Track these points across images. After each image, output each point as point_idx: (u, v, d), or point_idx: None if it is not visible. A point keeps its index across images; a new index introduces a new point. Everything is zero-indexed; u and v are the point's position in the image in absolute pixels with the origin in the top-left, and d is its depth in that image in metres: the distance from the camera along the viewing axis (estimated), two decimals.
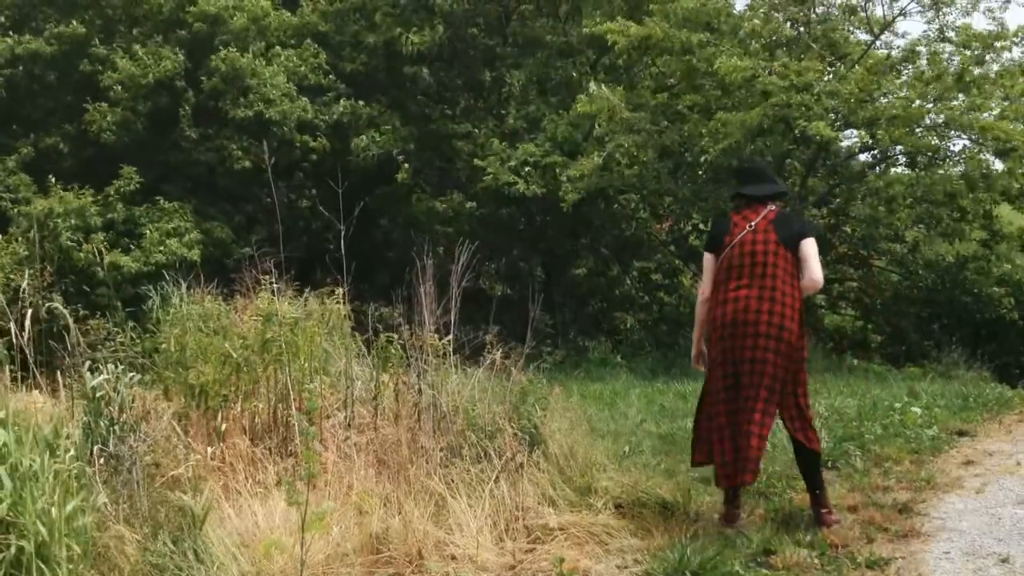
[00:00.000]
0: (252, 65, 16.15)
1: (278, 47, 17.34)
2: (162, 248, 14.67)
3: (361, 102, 17.10)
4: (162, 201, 15.55)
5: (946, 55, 14.73)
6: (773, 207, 5.70)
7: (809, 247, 5.55)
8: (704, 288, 5.81)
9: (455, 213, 17.32)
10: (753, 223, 5.59)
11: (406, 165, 16.94)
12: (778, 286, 5.47)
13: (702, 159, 14.17)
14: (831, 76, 14.36)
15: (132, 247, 14.81)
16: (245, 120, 15.98)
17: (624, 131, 14.83)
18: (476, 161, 16.04)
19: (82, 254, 14.04)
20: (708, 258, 5.81)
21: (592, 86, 15.62)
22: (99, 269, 13.57)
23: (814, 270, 5.53)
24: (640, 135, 14.89)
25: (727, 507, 5.64)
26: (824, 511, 5.49)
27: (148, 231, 14.96)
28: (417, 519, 5.04)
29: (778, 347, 5.41)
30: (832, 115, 13.78)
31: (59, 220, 14.25)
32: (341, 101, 17.06)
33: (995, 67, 14.56)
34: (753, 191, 5.74)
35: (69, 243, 14.09)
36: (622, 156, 15.07)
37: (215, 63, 16.07)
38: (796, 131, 14.24)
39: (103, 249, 14.12)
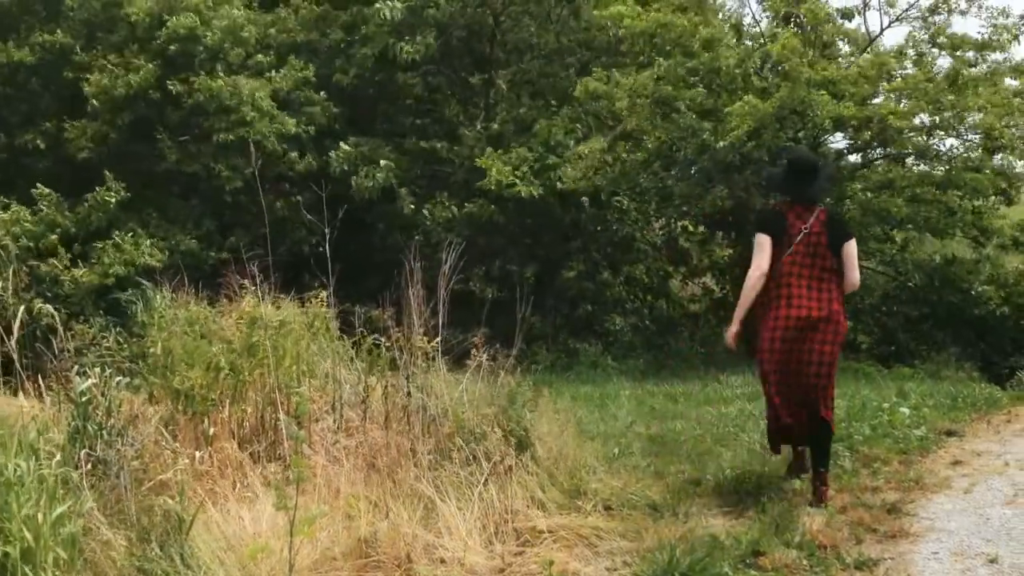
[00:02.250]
0: (230, 86, 16.05)
1: (259, 55, 17.21)
2: (124, 258, 14.67)
3: (352, 139, 16.90)
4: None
5: (932, 58, 14.88)
6: (822, 207, 6.16)
7: (851, 250, 6.06)
8: (761, 263, 6.04)
9: (451, 217, 17.29)
10: (808, 226, 6.02)
11: (410, 197, 16.86)
12: (827, 287, 6.00)
13: (718, 145, 14.05)
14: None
15: (93, 260, 14.82)
16: (229, 142, 15.93)
17: (647, 116, 14.85)
18: (478, 161, 15.96)
19: (46, 267, 14.06)
20: (764, 239, 6.06)
21: (595, 78, 15.62)
22: (65, 282, 13.64)
23: (853, 274, 6.06)
24: (644, 123, 14.93)
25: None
26: (823, 487, 5.95)
27: (102, 245, 14.96)
28: (406, 522, 5.03)
29: (835, 339, 6.00)
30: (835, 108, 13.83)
31: (7, 237, 14.21)
32: (341, 145, 16.86)
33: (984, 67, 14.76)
34: (804, 195, 6.12)
35: (19, 254, 14.05)
36: (621, 150, 15.06)
37: (194, 87, 15.98)
38: (799, 126, 14.32)
39: (67, 264, 14.16)
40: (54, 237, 14.94)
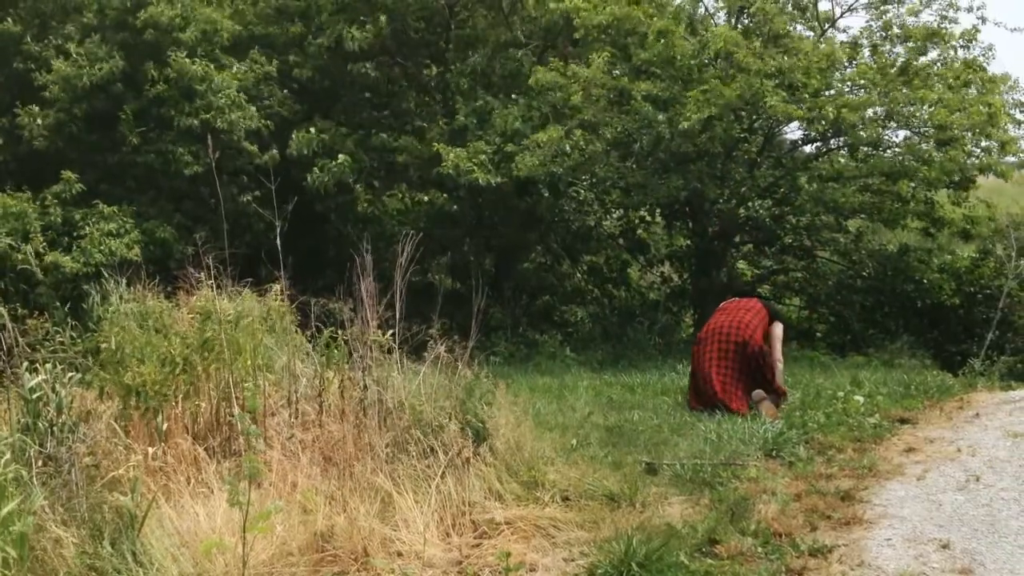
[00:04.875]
0: (203, 71, 15.82)
1: (228, 58, 16.99)
2: (101, 248, 14.38)
3: (313, 129, 16.78)
4: (101, 206, 15.19)
5: (887, 49, 15.02)
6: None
7: (777, 329, 9.30)
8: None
9: (407, 208, 17.18)
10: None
11: (366, 194, 16.76)
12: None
13: (682, 125, 14.03)
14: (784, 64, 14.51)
15: (73, 247, 14.49)
16: (192, 128, 15.66)
17: (603, 108, 14.86)
18: (435, 146, 15.88)
19: (20, 255, 13.72)
20: None
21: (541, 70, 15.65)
22: (37, 270, 13.26)
23: (776, 349, 9.16)
24: (601, 115, 14.95)
25: None
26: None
27: (88, 232, 14.63)
28: (363, 516, 5.01)
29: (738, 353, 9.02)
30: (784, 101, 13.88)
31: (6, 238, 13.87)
32: (297, 134, 16.68)
33: (937, 64, 14.93)
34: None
35: (7, 246, 13.73)
36: (579, 139, 15.06)
37: (166, 69, 15.71)
38: (753, 117, 14.37)
39: (42, 250, 13.83)
40: (45, 234, 14.53)
